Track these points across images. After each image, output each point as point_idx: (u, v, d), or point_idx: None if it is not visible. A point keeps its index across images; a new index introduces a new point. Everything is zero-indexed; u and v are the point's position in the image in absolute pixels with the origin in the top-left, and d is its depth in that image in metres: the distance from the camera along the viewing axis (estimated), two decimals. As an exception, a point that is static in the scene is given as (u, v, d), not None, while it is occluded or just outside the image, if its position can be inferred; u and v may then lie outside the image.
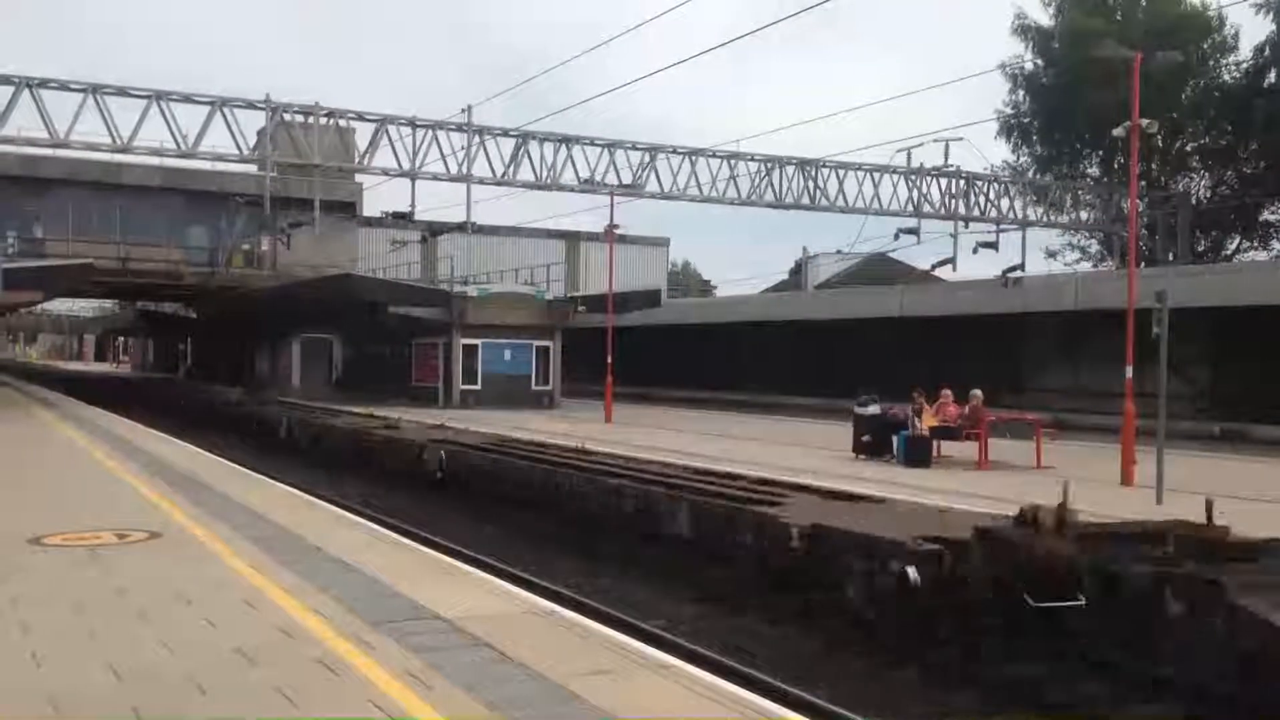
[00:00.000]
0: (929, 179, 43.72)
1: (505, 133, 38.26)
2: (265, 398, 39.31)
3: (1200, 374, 31.27)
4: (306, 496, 14.02)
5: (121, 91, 33.48)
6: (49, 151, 35.64)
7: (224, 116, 34.15)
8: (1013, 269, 39.14)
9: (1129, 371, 15.87)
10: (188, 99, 34.16)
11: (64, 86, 32.83)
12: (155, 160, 37.41)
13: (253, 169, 39.71)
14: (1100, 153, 53.34)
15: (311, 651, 6.31)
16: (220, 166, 38.92)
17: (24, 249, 38.95)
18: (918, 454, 17.53)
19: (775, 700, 6.17)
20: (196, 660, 6.06)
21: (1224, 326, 29.87)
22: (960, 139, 42.02)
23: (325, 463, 24.17)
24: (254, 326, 48.16)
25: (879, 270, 54.91)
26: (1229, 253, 52.06)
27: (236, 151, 35.07)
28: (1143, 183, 46.33)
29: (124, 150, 33.65)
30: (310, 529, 10.68)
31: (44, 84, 32.35)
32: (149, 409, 36.96)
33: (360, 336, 43.77)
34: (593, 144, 39.51)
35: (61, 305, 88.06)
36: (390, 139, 36.44)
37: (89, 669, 5.90)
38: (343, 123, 37.73)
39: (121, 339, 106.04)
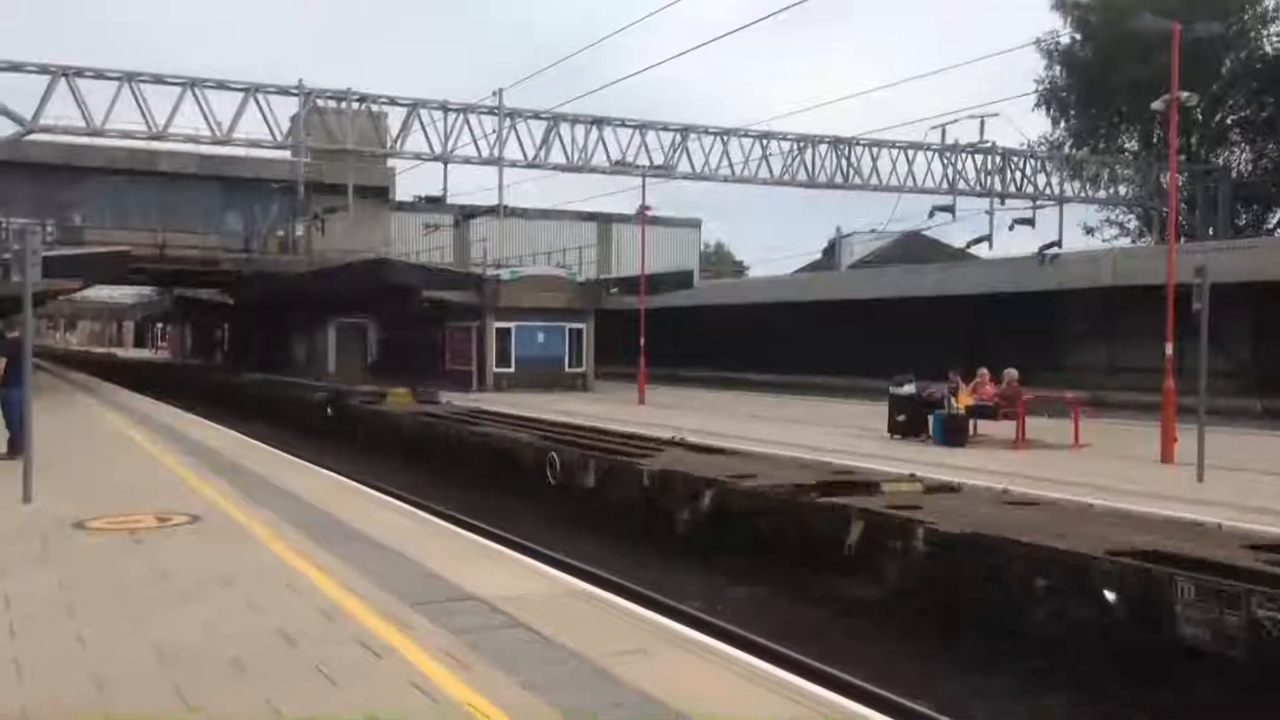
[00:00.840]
0: (964, 155, 43.28)
1: (536, 115, 38.25)
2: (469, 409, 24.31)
3: (1242, 350, 30.82)
4: (346, 481, 14.11)
5: (157, 80, 33.77)
6: (86, 140, 36.00)
7: (257, 103, 34.37)
8: (1050, 246, 38.72)
9: (1169, 348, 15.67)
10: (221, 86, 34.40)
11: (100, 75, 33.13)
12: (190, 147, 37.71)
13: (287, 155, 39.95)
14: (1139, 127, 52.60)
15: (352, 632, 6.37)
16: (255, 153, 39.20)
17: (62, 237, 39.42)
18: (953, 433, 17.41)
19: (813, 681, 6.15)
20: (238, 641, 6.13)
21: (1266, 301, 29.41)
22: (995, 115, 41.62)
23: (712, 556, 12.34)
24: (289, 312, 48.53)
25: (913, 249, 54.53)
26: (1271, 226, 51.23)
27: (270, 138, 35.28)
28: (1182, 157, 45.66)
29: (159, 137, 33.96)
30: (351, 513, 10.76)
31: (80, 73, 32.67)
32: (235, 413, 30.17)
33: (394, 321, 43.98)
34: (624, 125, 39.41)
35: (100, 292, 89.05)
36: (422, 123, 36.57)
37: (132, 650, 5.98)
38: (374, 108, 37.87)
39: (160, 325, 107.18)
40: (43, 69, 32.29)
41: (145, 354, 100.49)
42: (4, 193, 40.40)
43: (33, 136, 33.86)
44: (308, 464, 15.97)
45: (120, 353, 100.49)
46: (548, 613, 6.86)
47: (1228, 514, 10.39)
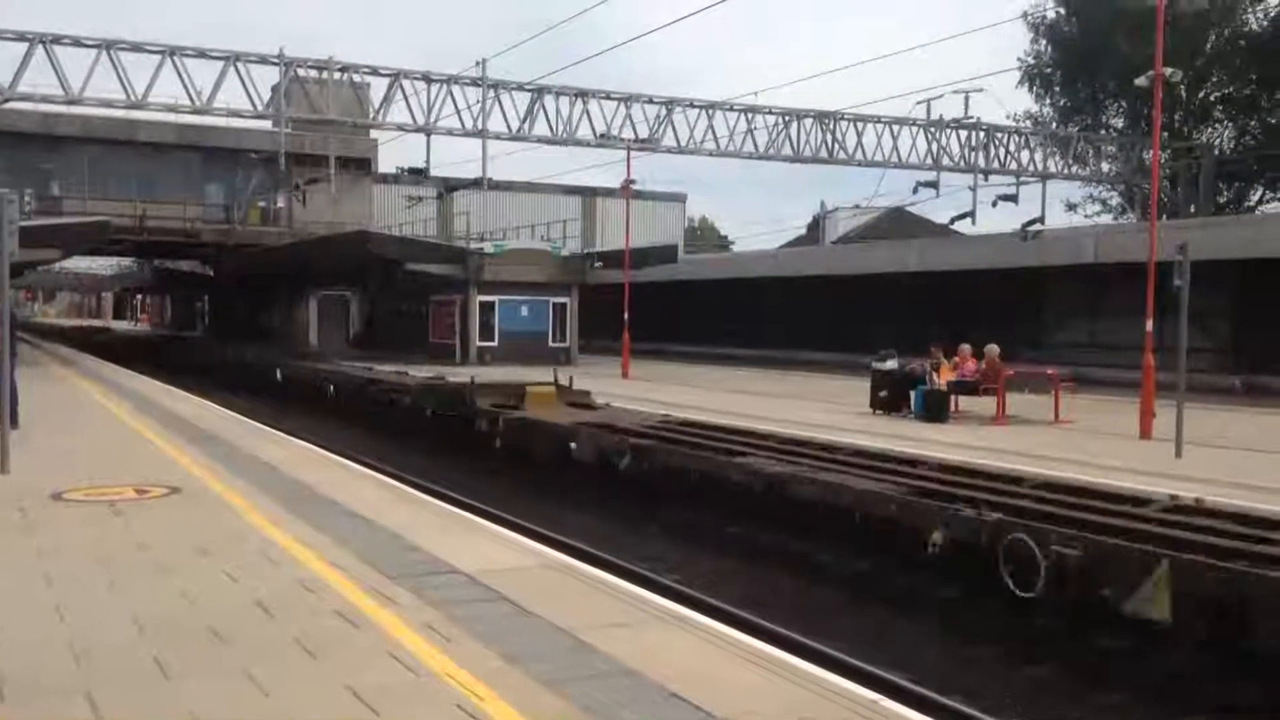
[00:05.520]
0: (948, 131, 43.25)
1: (520, 86, 37.91)
2: None
3: (1222, 327, 30.94)
4: (325, 453, 14.08)
5: (136, 48, 33.31)
6: (64, 109, 35.57)
7: (238, 72, 33.96)
8: (1032, 222, 38.76)
9: (1149, 324, 15.74)
10: (202, 54, 33.95)
11: (77, 43, 32.68)
12: (170, 117, 37.35)
13: (268, 125, 39.57)
14: (1123, 104, 52.62)
15: (331, 604, 6.36)
16: (235, 123, 38.82)
17: (41, 207, 39.05)
18: (934, 409, 17.49)
19: (790, 652, 6.18)
20: (217, 612, 6.12)
21: (1246, 279, 29.54)
22: (980, 90, 41.50)
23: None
24: (271, 284, 48.27)
25: (897, 224, 54.54)
26: (1252, 204, 51.41)
27: (251, 107, 34.93)
28: (1165, 134, 45.71)
29: (138, 106, 33.53)
30: (330, 485, 10.74)
31: (58, 40, 32.21)
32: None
33: (377, 294, 43.81)
34: (609, 98, 39.14)
35: (79, 263, 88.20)
36: (405, 94, 36.20)
37: (111, 621, 5.96)
38: (357, 78, 37.50)
39: (140, 297, 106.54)
40: (20, 36, 31.82)
41: (125, 325, 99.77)
42: (-20, 161, 40.03)
43: (10, 105, 33.43)
44: (285, 435, 15.92)
45: (122, 326, 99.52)
46: (527, 585, 6.87)
47: (1204, 489, 10.46)
